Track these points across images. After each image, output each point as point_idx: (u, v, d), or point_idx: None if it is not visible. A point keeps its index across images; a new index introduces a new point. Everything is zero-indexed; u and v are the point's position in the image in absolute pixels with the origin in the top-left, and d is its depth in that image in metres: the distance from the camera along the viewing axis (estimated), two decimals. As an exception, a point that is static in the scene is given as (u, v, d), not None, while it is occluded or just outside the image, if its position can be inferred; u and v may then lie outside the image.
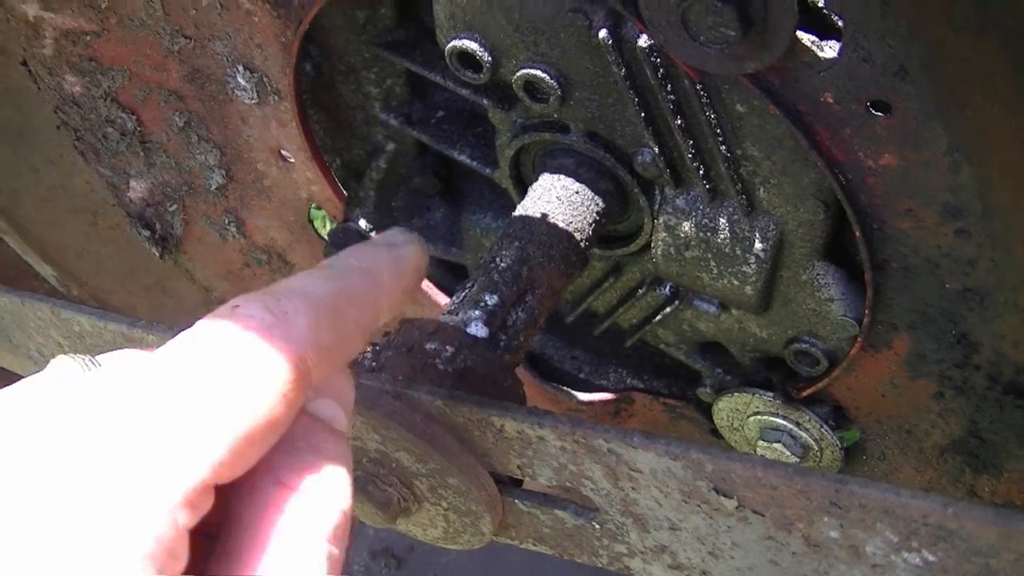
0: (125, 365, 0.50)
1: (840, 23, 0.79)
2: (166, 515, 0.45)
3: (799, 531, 0.66)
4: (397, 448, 0.77)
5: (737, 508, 0.68)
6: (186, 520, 0.46)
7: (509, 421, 0.72)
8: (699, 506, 0.69)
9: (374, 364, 0.83)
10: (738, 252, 1.03)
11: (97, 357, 0.61)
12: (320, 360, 0.53)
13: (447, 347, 0.85)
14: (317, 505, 0.51)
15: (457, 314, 0.93)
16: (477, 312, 0.92)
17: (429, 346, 0.85)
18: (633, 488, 0.71)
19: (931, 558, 0.62)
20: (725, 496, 0.67)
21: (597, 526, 0.78)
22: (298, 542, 0.50)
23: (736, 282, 1.06)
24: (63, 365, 0.60)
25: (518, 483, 0.82)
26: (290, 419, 0.51)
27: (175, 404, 0.47)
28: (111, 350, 0.91)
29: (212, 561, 0.50)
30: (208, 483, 0.47)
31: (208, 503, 0.47)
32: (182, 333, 0.51)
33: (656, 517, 0.73)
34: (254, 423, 0.48)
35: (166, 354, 0.50)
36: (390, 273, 0.64)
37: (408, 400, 0.75)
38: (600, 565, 0.82)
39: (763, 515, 0.67)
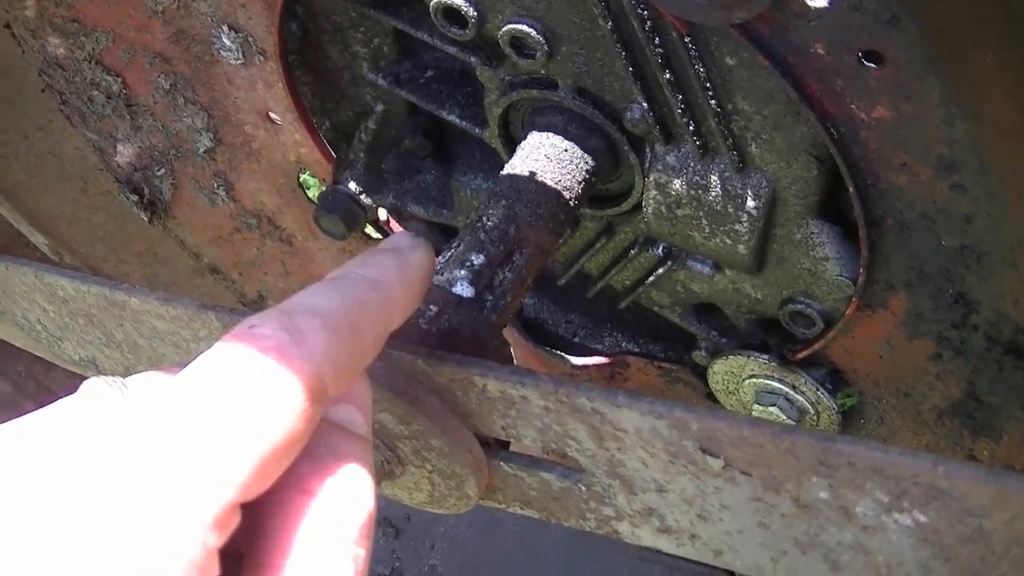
0: (150, 392, 0.53)
1: (830, -30, 0.77)
2: (197, 538, 0.46)
3: (788, 492, 0.65)
4: (379, 409, 0.76)
5: (724, 468, 0.66)
6: (215, 541, 0.47)
7: (491, 380, 0.71)
8: (686, 466, 0.68)
9: None
10: (730, 210, 1.01)
11: (126, 380, 0.62)
12: (336, 376, 0.54)
13: (431, 306, 0.84)
14: (341, 508, 0.53)
15: (442, 274, 0.91)
16: (463, 272, 0.91)
17: None
18: (619, 449, 0.70)
19: (923, 519, 0.60)
20: (712, 456, 0.66)
21: (584, 488, 0.76)
22: (324, 545, 0.51)
23: (729, 241, 1.04)
24: (95, 387, 0.61)
25: (505, 445, 0.81)
26: (309, 433, 0.52)
27: (198, 431, 0.48)
28: (95, 314, 0.90)
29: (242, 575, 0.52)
30: (235, 503, 0.48)
31: (235, 521, 0.48)
32: (203, 355, 0.52)
33: (643, 478, 0.71)
34: (275, 442, 0.50)
35: (187, 379, 0.51)
36: (400, 282, 0.64)
37: (389, 360, 0.74)
38: (588, 529, 0.81)
39: (751, 475, 0.66)
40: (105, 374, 0.97)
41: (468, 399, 0.73)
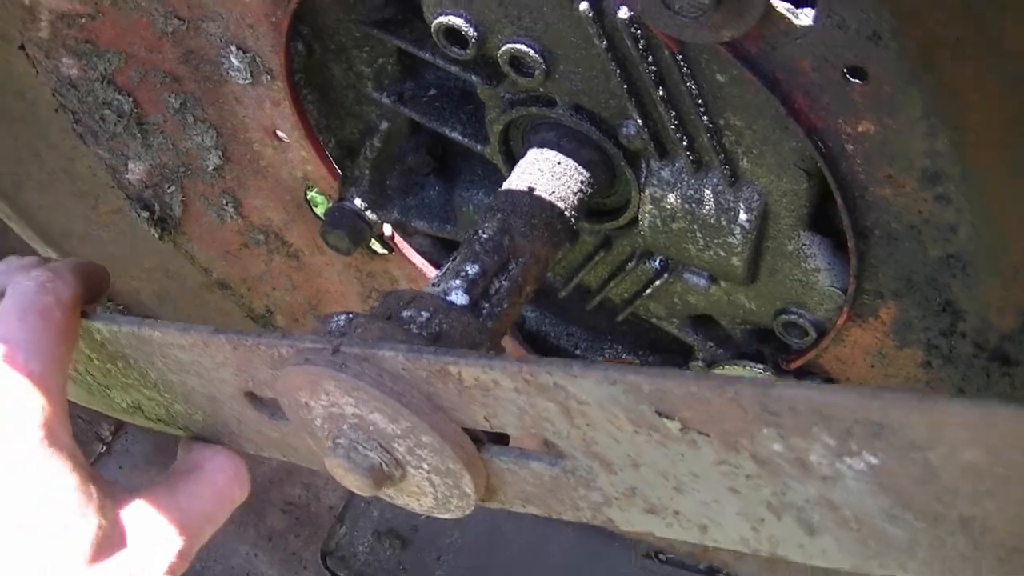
0: None
1: (813, -11, 0.80)
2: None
3: (745, 448, 0.65)
4: (370, 409, 0.78)
5: (682, 431, 0.67)
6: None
7: (464, 367, 0.72)
8: (650, 434, 0.68)
9: (344, 330, 0.84)
10: (723, 223, 1.04)
11: None
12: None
13: (422, 312, 0.86)
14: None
15: (439, 285, 0.94)
16: (458, 282, 0.93)
17: (405, 313, 0.86)
18: (588, 424, 0.71)
19: (873, 460, 0.60)
20: (667, 418, 0.66)
21: (570, 475, 0.78)
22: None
23: (723, 253, 1.07)
24: None
25: (502, 441, 0.83)
26: None
27: None
28: (129, 354, 0.91)
29: None
30: None
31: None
32: None
33: (617, 455, 0.72)
34: None
35: None
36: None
37: (376, 361, 0.76)
38: (585, 519, 0.82)
39: (708, 435, 0.66)
40: (149, 419, 0.99)
41: (448, 391, 0.75)
